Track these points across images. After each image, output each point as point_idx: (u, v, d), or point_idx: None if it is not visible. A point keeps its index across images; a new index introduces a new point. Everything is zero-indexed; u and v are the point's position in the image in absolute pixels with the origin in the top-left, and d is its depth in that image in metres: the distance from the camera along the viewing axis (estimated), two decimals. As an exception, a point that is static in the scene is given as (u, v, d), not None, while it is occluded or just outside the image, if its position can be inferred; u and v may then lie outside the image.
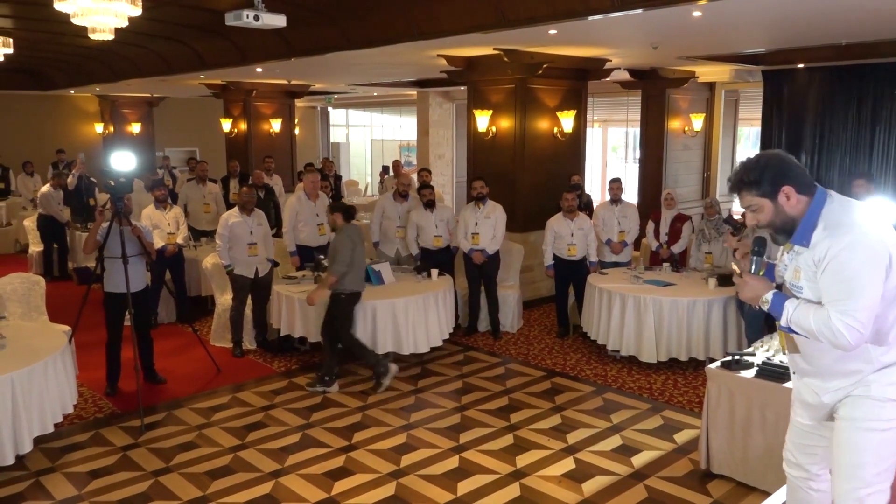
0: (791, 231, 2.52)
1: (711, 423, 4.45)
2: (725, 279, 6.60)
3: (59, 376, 4.88)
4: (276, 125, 14.51)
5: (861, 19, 6.53)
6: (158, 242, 7.52)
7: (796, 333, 2.55)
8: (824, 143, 9.90)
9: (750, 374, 4.30)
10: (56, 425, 4.89)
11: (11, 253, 12.77)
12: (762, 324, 6.09)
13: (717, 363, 4.53)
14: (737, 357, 4.45)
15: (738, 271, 2.65)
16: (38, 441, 4.80)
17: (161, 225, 7.73)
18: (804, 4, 5.88)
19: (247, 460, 4.86)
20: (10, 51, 8.73)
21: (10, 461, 4.55)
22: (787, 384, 4.11)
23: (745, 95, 12.94)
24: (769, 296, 2.55)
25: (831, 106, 9.78)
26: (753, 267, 2.61)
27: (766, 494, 3.45)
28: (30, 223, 10.94)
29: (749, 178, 2.50)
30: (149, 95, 17.15)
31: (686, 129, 11.83)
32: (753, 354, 4.54)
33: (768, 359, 4.38)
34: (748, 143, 14.95)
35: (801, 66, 9.80)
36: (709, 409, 4.46)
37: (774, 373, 4.20)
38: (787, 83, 10.26)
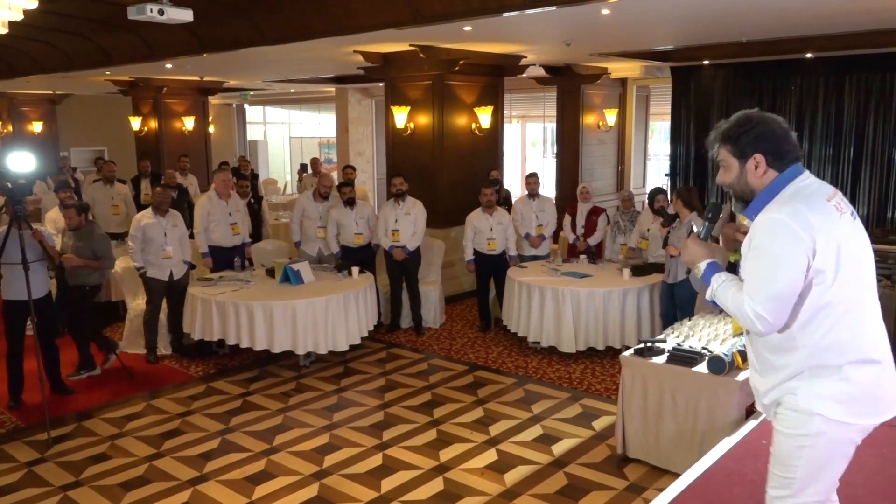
0: (748, 202, 2.35)
1: (626, 408, 4.59)
2: (639, 269, 6.82)
3: (-46, 391, 4.60)
4: (189, 123, 14.05)
5: (760, 19, 6.85)
6: (63, 247, 7.18)
7: (719, 308, 2.40)
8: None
9: (661, 359, 4.46)
10: (-47, 443, 4.62)
11: None
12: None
13: (631, 351, 4.68)
14: (649, 344, 4.60)
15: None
16: (-68, 461, 4.52)
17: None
18: (707, 5, 6.12)
19: (163, 469, 4.70)
20: None
21: None
22: (696, 368, 4.30)
23: (656, 91, 13.38)
24: (703, 264, 2.41)
25: (735, 100, 10.23)
26: (703, 232, 2.49)
27: (678, 476, 3.58)
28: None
29: (728, 133, 2.33)
30: (51, 93, 16.31)
31: (600, 124, 12.14)
32: (665, 341, 4.70)
33: (678, 345, 4.54)
34: (660, 137, 15.48)
35: (706, 62, 10.20)
36: (624, 396, 4.59)
37: (684, 358, 4.37)
38: (694, 79, 10.67)
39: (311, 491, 4.40)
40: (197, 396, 5.97)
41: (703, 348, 4.45)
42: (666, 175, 11.62)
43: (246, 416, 5.56)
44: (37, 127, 16.78)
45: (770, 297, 2.17)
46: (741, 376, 4.09)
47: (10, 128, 16.56)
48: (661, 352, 4.53)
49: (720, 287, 2.33)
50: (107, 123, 17.15)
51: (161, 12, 5.61)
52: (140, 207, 9.02)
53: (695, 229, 2.57)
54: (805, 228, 2.15)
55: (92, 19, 8.34)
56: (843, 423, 2.24)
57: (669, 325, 5.72)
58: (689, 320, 5.19)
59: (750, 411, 4.08)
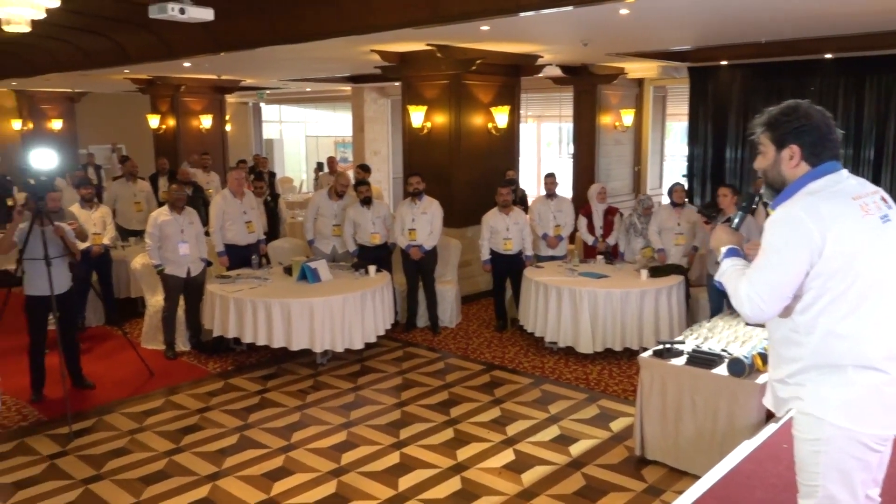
0: (778, 191, 2.36)
1: (645, 410, 4.57)
2: (657, 271, 6.79)
3: (-22, 385, 4.66)
4: (206, 121, 14.15)
5: (778, 20, 6.81)
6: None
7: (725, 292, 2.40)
8: (748, 136, 10.31)
9: (680, 361, 4.44)
10: (-24, 436, 4.68)
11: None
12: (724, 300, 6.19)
13: (650, 352, 4.66)
14: (668, 345, 4.58)
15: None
16: (-44, 454, 4.58)
17: (86, 224, 7.45)
18: (726, 6, 6.09)
19: (182, 464, 4.74)
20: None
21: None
22: (716, 370, 4.28)
23: (673, 91, 13.31)
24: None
25: (753, 101, 10.16)
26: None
27: (697, 478, 3.56)
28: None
29: (772, 120, 2.36)
30: (70, 90, 16.46)
31: (616, 124, 12.09)
32: (683, 342, 4.68)
33: (698, 346, 4.52)
34: (676, 138, 15.41)
35: (724, 63, 10.15)
36: (642, 397, 4.58)
37: (703, 360, 4.35)
38: (712, 79, 10.61)
39: (329, 488, 4.42)
40: (215, 392, 6.01)
41: (723, 350, 4.43)
42: (683, 176, 11.56)
43: (263, 412, 5.59)
44: (56, 124, 16.93)
45: (766, 283, 2.20)
46: (761, 379, 4.07)
47: (31, 125, 16.73)
48: (680, 353, 4.51)
49: (729, 269, 2.37)
50: (125, 121, 17.28)
51: (182, 11, 5.63)
52: (159, 205, 9.08)
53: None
54: (817, 224, 2.15)
55: (111, 18, 8.41)
56: (850, 429, 2.19)
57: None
58: (708, 322, 5.17)
59: (770, 414, 4.06)
